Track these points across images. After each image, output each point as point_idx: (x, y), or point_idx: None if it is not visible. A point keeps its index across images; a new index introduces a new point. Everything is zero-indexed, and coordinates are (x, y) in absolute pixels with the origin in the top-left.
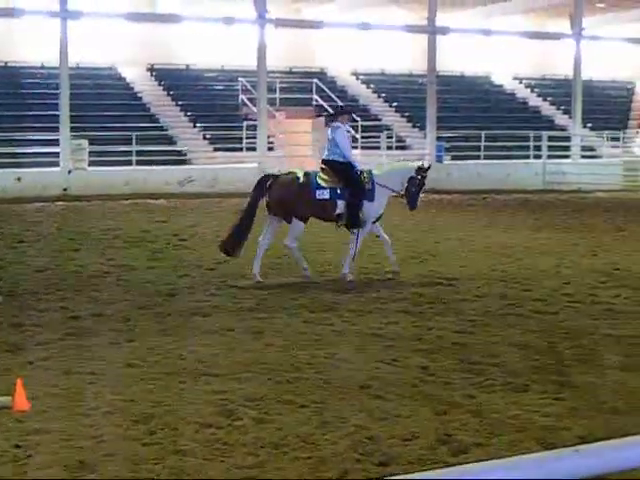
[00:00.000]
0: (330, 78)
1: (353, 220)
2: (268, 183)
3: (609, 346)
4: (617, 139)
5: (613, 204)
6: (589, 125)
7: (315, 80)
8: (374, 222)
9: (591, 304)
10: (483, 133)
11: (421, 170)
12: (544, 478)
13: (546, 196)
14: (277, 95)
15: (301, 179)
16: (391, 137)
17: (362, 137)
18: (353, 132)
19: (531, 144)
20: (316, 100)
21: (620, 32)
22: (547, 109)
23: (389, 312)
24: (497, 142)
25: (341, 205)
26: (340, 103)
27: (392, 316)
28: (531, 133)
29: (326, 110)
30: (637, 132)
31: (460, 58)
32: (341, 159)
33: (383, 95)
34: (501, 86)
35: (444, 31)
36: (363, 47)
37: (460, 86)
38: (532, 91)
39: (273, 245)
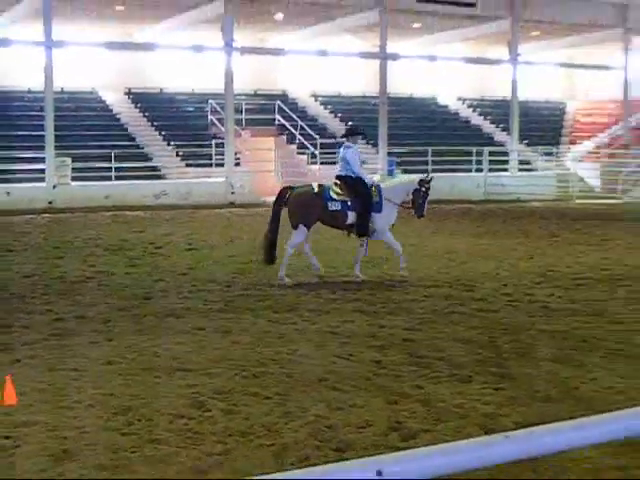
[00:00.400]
0: (291, 100)
1: (362, 229)
2: (287, 195)
3: (544, 340)
4: (550, 154)
5: (547, 212)
6: (525, 141)
7: (277, 102)
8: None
9: (528, 303)
10: (430, 149)
11: (423, 182)
12: (479, 461)
13: (487, 206)
14: (243, 115)
15: (315, 190)
16: None
17: (321, 153)
18: (312, 148)
19: (473, 159)
20: (278, 120)
21: (552, 57)
22: (487, 127)
23: (345, 312)
24: (443, 157)
25: (351, 216)
26: (301, 123)
27: (348, 315)
28: (473, 149)
29: (287, 129)
30: (569, 147)
31: (409, 81)
32: (352, 174)
33: (339, 115)
34: (446, 106)
35: (394, 57)
36: (321, 72)
37: (409, 107)
38: (474, 111)
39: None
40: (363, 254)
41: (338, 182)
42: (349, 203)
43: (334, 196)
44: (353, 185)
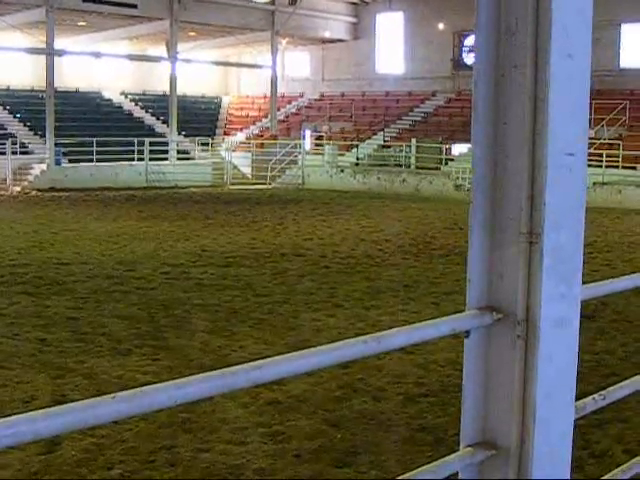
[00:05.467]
0: None
1: None
2: None
3: (198, 314)
4: (207, 144)
5: (203, 197)
6: (184, 133)
7: None
8: None
9: (184, 280)
10: (95, 140)
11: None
12: (86, 422)
13: (149, 192)
14: None
15: None
16: (16, 144)
17: None
18: None
19: (135, 149)
20: None
21: (208, 56)
22: (149, 119)
23: (12, 294)
24: (107, 147)
25: None
26: None
27: (15, 297)
28: (135, 140)
29: None
30: (223, 138)
31: (76, 76)
32: None
33: (8, 107)
34: (110, 100)
35: (60, 53)
36: None
37: (76, 100)
38: (136, 104)
39: None
40: None
41: None
42: None
43: None
44: None
